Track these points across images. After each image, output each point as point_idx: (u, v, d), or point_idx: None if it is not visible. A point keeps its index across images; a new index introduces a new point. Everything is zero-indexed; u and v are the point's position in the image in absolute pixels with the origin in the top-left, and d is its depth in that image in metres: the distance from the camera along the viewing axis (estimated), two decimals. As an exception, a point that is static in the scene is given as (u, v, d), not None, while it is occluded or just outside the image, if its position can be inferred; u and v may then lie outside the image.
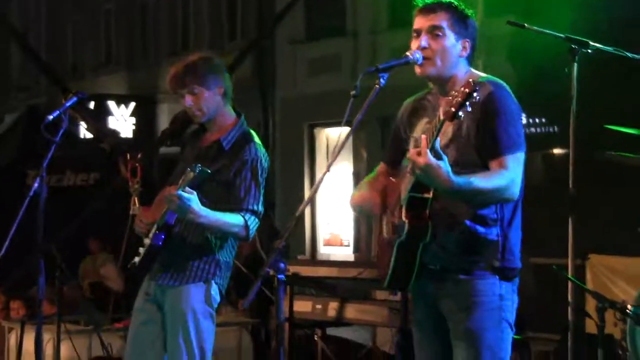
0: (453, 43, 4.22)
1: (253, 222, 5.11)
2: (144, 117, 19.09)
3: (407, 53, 4.23)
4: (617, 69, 6.77)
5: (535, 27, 6.33)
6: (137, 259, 5.25)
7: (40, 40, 23.55)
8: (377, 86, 4.13)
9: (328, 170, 4.16)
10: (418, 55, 4.20)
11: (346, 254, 15.72)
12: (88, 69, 21.99)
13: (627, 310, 5.87)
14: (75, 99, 5.68)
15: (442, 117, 3.82)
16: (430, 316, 4.26)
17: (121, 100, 19.03)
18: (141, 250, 5.26)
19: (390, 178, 4.39)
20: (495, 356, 4.12)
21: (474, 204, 4.09)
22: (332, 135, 16.70)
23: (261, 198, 5.17)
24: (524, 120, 10.83)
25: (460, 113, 3.76)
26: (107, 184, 11.33)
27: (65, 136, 11.65)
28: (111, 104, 18.48)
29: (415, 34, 4.24)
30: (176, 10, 19.82)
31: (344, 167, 15.46)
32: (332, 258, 15.55)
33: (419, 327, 4.37)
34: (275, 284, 6.73)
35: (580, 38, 6.17)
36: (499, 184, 4.01)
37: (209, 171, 4.94)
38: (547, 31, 6.30)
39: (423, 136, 3.90)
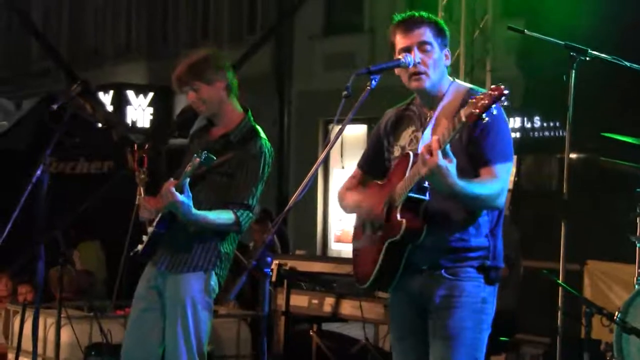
0: (439, 54, 4.36)
1: (246, 217, 5.26)
2: (162, 107, 19.22)
3: (399, 56, 4.36)
4: (620, 76, 6.84)
5: (535, 33, 6.46)
6: (140, 247, 5.44)
7: (61, 24, 23.71)
8: (368, 87, 4.27)
9: (318, 166, 4.31)
10: (410, 59, 4.32)
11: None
12: (108, 56, 22.13)
13: (615, 317, 5.98)
14: (79, 89, 5.82)
15: (463, 119, 3.89)
16: (410, 313, 4.38)
17: (140, 90, 19.17)
18: (144, 238, 5.44)
19: (377, 182, 4.50)
20: (471, 355, 4.25)
21: (466, 208, 4.22)
22: (347, 132, 16.77)
23: (258, 192, 5.32)
24: (538, 124, 10.89)
25: (485, 115, 3.84)
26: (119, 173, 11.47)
27: (81, 124, 11.80)
28: (130, 94, 18.65)
29: (404, 53, 4.34)
30: (197, 2, 19.95)
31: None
32: (343, 255, 15.63)
33: (398, 323, 4.47)
34: (272, 278, 6.93)
35: (578, 45, 6.29)
36: (492, 192, 4.16)
37: (215, 158, 5.10)
38: (546, 37, 6.41)
39: (434, 137, 4.00)
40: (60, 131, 5.78)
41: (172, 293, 5.33)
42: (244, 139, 5.37)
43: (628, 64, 6.29)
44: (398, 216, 4.17)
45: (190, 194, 5.11)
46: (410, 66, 4.33)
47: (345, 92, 4.26)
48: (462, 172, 4.12)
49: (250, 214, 5.29)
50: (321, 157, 4.33)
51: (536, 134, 10.24)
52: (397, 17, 4.42)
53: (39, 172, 5.66)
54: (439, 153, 3.93)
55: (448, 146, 3.97)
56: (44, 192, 5.66)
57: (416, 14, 4.41)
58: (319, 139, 16.72)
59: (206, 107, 5.44)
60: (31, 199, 5.72)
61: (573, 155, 6.75)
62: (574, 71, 6.34)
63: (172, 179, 5.24)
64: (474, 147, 4.21)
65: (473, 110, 3.84)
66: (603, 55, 6.30)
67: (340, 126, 4.31)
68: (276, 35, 17.17)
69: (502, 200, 4.21)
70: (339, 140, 14.34)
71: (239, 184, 5.30)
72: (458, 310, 4.23)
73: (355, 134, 16.58)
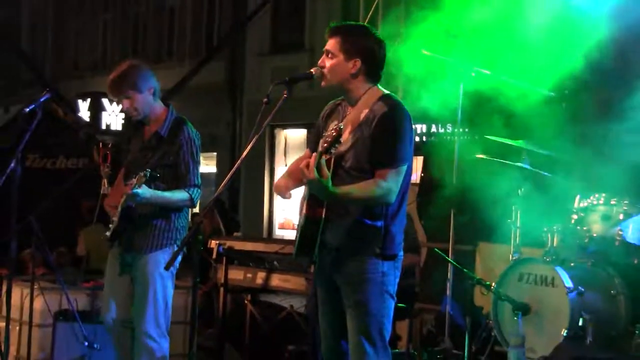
0: (342, 62, 4.40)
1: (196, 194, 5.46)
2: (132, 113, 19.22)
3: (312, 70, 4.48)
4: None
5: (433, 53, 6.66)
6: (108, 233, 5.58)
7: (47, 43, 23.68)
8: (285, 95, 4.41)
9: (241, 161, 4.47)
10: (319, 72, 4.45)
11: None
12: (87, 69, 22.10)
13: (491, 287, 6.20)
14: (47, 95, 5.88)
15: (320, 150, 4.11)
16: (327, 284, 4.50)
17: (113, 98, 19.17)
18: (111, 226, 5.57)
19: None
20: (378, 321, 4.37)
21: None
22: (290, 135, 16.94)
23: (199, 171, 5.49)
24: (450, 129, 10.93)
25: (332, 150, 4.10)
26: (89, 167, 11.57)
27: (62, 127, 11.76)
28: (105, 101, 18.55)
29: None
30: (163, 23, 20.00)
31: (299, 161, 15.71)
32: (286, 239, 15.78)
33: (320, 291, 4.60)
34: (213, 255, 7.04)
35: (465, 63, 6.52)
36: (374, 194, 4.25)
37: (157, 175, 5.26)
38: (442, 57, 6.62)
39: (314, 154, 4.15)
40: (31, 130, 5.84)
41: (143, 270, 5.49)
42: (173, 131, 5.49)
43: (505, 78, 6.54)
44: (304, 205, 4.34)
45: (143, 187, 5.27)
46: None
47: (265, 99, 4.40)
48: (362, 172, 4.30)
49: (199, 190, 5.48)
50: (243, 154, 4.45)
51: (446, 138, 10.42)
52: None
53: (12, 164, 5.74)
54: (315, 170, 4.07)
55: (324, 160, 4.11)
56: (17, 182, 5.73)
57: (333, 25, 4.50)
58: (266, 140, 16.83)
59: (138, 113, 5.52)
60: (7, 189, 5.79)
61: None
62: (462, 84, 6.60)
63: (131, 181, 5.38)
64: (372, 149, 4.31)
65: (323, 144, 4.11)
66: (486, 71, 6.54)
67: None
68: (230, 53, 17.29)
69: (388, 199, 4.28)
70: (283, 142, 14.46)
71: (183, 171, 5.45)
72: (361, 285, 4.34)
73: (297, 136, 16.74)
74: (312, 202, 4.31)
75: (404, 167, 4.33)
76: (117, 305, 5.59)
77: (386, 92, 4.47)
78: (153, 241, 5.48)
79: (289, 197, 4.61)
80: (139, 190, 5.19)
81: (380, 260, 4.36)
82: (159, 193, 5.37)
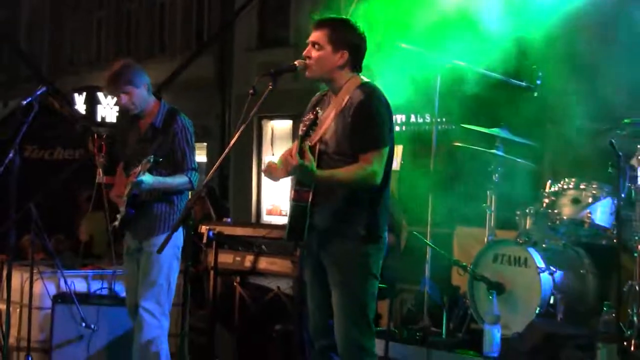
0: (330, 54, 4.37)
1: (194, 177, 5.55)
2: (126, 106, 19.18)
3: (296, 62, 4.46)
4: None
5: (408, 45, 6.65)
6: (116, 223, 5.63)
7: (43, 41, 23.60)
8: (270, 87, 4.37)
9: (229, 149, 4.46)
10: (302, 64, 4.43)
11: (284, 221, 15.88)
12: (82, 65, 22.03)
13: (467, 268, 6.22)
14: (44, 89, 5.89)
15: (300, 134, 4.12)
16: (314, 265, 4.50)
17: (108, 92, 19.08)
18: (118, 216, 5.60)
19: None
20: (360, 301, 4.36)
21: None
22: (276, 126, 16.91)
23: (194, 156, 5.58)
24: (428, 119, 10.99)
25: (310, 132, 4.13)
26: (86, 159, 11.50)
27: (60, 120, 11.67)
28: (100, 95, 18.49)
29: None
30: (154, 19, 19.94)
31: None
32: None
33: (308, 273, 4.60)
34: (204, 239, 7.02)
35: (442, 55, 6.50)
36: (358, 177, 4.23)
37: (160, 159, 5.31)
38: (420, 50, 6.60)
39: (296, 141, 4.15)
40: (28, 122, 5.83)
41: (148, 251, 5.54)
42: (166, 122, 5.55)
43: (479, 69, 6.53)
44: (291, 191, 4.34)
45: (146, 175, 5.28)
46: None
47: (251, 91, 4.39)
48: (348, 157, 4.28)
49: (196, 173, 5.57)
50: (231, 143, 4.47)
51: (425, 127, 10.38)
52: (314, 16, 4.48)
53: (10, 155, 5.74)
54: (297, 156, 4.07)
55: (307, 146, 4.09)
56: (15, 171, 5.73)
57: (319, 17, 4.46)
58: (254, 131, 16.81)
59: (135, 107, 5.58)
60: (6, 178, 5.78)
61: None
62: (439, 75, 6.59)
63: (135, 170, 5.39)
64: (353, 137, 4.30)
65: (302, 128, 4.14)
66: (460, 63, 6.53)
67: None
68: (219, 48, 17.24)
69: (374, 182, 4.25)
70: (270, 132, 14.38)
71: (179, 158, 5.52)
72: (346, 265, 4.33)
73: (283, 127, 16.71)
74: (298, 188, 4.32)
75: (386, 149, 4.32)
76: (132, 295, 5.68)
77: (365, 80, 4.46)
78: (158, 224, 5.55)
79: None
80: (143, 178, 5.27)
81: (365, 242, 4.34)
82: (161, 179, 5.46)
